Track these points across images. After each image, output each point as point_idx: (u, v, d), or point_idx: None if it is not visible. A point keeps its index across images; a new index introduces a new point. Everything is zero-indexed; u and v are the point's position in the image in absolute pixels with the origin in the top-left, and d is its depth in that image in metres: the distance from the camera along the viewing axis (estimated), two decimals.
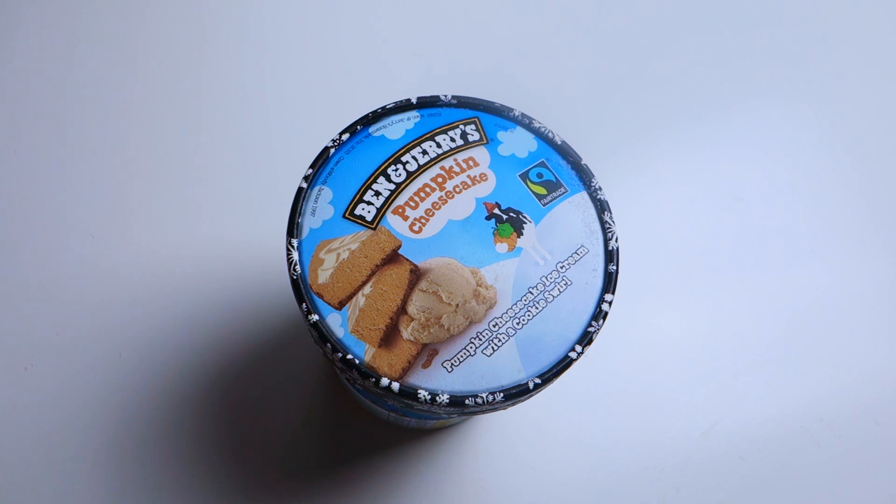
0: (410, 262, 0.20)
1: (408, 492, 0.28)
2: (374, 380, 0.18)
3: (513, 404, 0.19)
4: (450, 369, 0.19)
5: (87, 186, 0.33)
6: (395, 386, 0.18)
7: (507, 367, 0.19)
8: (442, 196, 0.21)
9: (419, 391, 0.18)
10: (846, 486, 0.30)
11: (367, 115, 0.22)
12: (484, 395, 0.18)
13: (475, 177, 0.21)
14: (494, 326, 0.19)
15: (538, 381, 0.19)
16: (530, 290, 0.20)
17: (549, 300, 0.19)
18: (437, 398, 0.18)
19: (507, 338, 0.19)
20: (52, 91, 0.35)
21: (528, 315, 0.19)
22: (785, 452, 0.30)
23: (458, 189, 0.21)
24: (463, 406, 0.18)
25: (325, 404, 0.30)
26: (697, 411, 0.31)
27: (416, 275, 0.19)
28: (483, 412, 0.19)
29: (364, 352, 0.19)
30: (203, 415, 0.29)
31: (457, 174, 0.21)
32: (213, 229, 0.32)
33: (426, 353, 0.19)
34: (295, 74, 0.37)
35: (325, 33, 0.38)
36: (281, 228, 0.32)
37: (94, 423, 0.29)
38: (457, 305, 0.19)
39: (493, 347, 0.19)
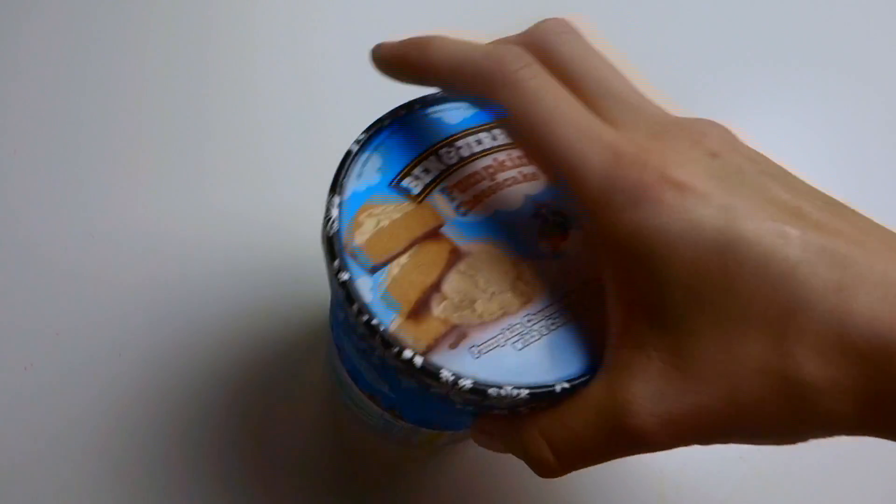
0: (452, 241, 0.19)
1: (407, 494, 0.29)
2: (396, 350, 0.17)
3: (535, 405, 0.18)
4: (477, 355, 0.17)
5: (87, 186, 0.33)
6: (419, 360, 0.17)
7: (535, 365, 0.18)
8: (491, 186, 0.20)
9: (442, 370, 0.17)
10: (846, 486, 0.30)
11: (427, 96, 0.21)
12: (509, 388, 0.17)
13: (527, 174, 0.20)
14: (528, 322, 0.18)
15: (566, 385, 0.17)
16: (569, 294, 0.19)
17: (587, 308, 0.19)
18: (460, 382, 0.17)
19: (539, 336, 0.18)
20: (51, 90, 0.35)
21: (564, 319, 0.18)
22: (785, 452, 0.30)
23: (508, 183, 0.20)
24: (485, 396, 0.17)
25: (331, 405, 0.30)
26: None
27: (456, 255, 0.19)
28: (502, 408, 0.18)
29: (391, 321, 0.18)
30: (204, 416, 0.29)
31: (508, 168, 0.20)
32: (217, 230, 0.33)
33: (455, 334, 0.18)
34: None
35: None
36: (291, 232, 0.32)
37: (95, 424, 0.29)
38: (492, 293, 0.18)
39: (524, 342, 0.18)
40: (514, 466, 0.29)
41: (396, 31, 0.20)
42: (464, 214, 0.19)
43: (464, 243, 0.19)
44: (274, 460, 0.29)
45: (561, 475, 0.18)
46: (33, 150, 0.34)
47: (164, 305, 0.31)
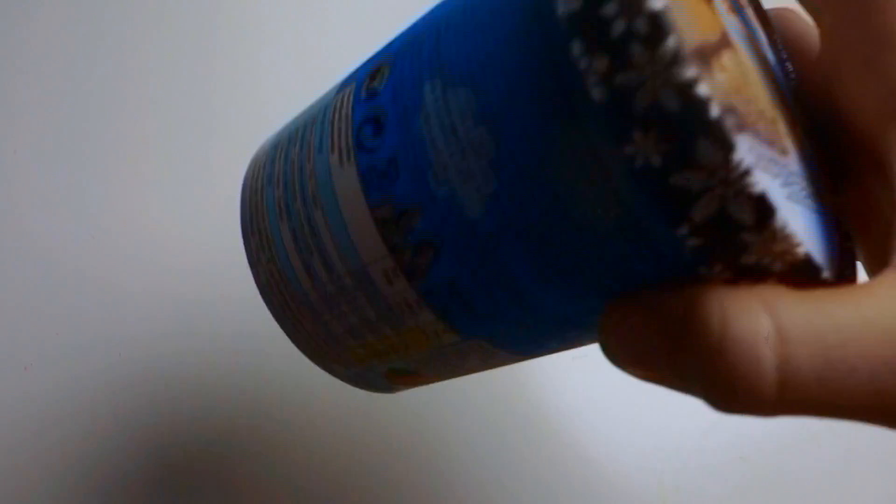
0: (723, 22, 0.12)
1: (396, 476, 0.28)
2: (690, 77, 0.10)
3: (784, 278, 0.11)
4: (751, 163, 0.10)
5: (87, 186, 0.33)
6: (715, 110, 0.10)
7: (795, 226, 0.11)
8: (740, 23, 0.14)
9: (740, 145, 0.10)
10: (846, 486, 0.30)
11: None
12: (792, 229, 0.10)
13: (759, 44, 0.15)
14: (789, 176, 0.12)
15: (831, 277, 0.12)
16: (817, 176, 0.14)
17: (836, 198, 0.14)
18: (751, 178, 0.10)
19: (798, 201, 0.12)
20: (51, 90, 0.35)
21: (816, 199, 0.13)
22: (785, 452, 0.30)
23: (748, 29, 0.14)
24: (762, 223, 0.10)
25: (335, 389, 0.30)
26: (697, 411, 0.31)
27: (727, 40, 0.12)
28: (738, 265, 0.11)
29: (680, 39, 0.10)
30: (205, 416, 0.29)
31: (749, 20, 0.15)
32: (218, 229, 0.32)
33: (735, 116, 0.11)
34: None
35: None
36: None
37: (94, 424, 0.29)
38: (761, 110, 0.12)
39: (787, 193, 0.12)
40: (516, 455, 0.29)
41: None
42: (727, 11, 0.13)
43: (726, 46, 0.12)
44: (279, 461, 0.29)
45: (771, 411, 0.10)
46: (33, 149, 0.34)
47: (164, 305, 0.31)
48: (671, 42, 0.10)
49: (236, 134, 0.35)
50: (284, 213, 0.16)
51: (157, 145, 0.34)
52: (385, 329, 0.16)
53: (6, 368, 0.29)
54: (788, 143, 0.13)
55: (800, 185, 0.12)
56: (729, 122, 0.10)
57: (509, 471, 0.29)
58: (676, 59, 0.10)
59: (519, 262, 0.13)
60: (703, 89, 0.10)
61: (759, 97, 0.12)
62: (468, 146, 0.12)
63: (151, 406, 0.29)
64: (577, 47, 0.10)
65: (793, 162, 0.13)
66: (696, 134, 0.10)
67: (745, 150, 0.10)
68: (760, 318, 0.10)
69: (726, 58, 0.11)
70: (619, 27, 0.10)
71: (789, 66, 0.16)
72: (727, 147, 0.10)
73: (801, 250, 0.11)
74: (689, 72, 0.10)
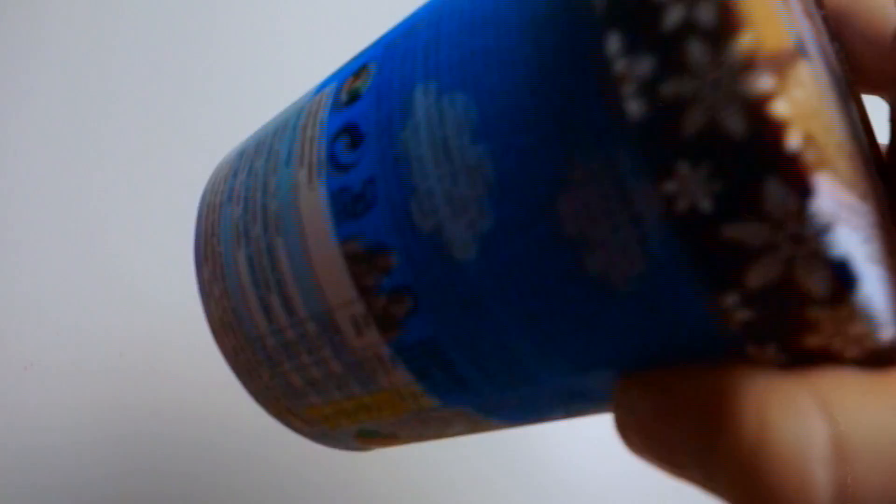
0: (802, 33, 0.10)
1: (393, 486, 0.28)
2: (755, 78, 0.07)
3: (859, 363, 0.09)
4: (832, 219, 0.08)
5: (86, 186, 0.33)
6: (780, 111, 0.07)
7: (879, 301, 0.08)
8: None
9: (818, 178, 0.07)
10: None
11: None
12: (876, 296, 0.08)
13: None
14: (869, 229, 0.09)
15: None
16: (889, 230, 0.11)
17: None
18: (823, 215, 0.07)
19: (879, 261, 0.09)
20: (51, 90, 0.35)
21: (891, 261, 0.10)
22: None
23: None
24: (842, 296, 0.08)
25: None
26: None
27: (802, 50, 0.10)
28: (797, 349, 0.08)
29: (742, 40, 0.07)
30: (205, 416, 0.29)
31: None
32: None
33: (815, 149, 0.08)
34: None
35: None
36: None
37: (95, 424, 0.28)
38: (838, 143, 0.10)
39: (868, 254, 0.09)
40: (515, 454, 0.29)
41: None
42: (802, 13, 0.11)
43: (803, 54, 0.09)
44: (278, 463, 0.28)
45: None
46: (33, 149, 0.34)
47: (166, 304, 0.31)
48: (746, 40, 0.07)
49: (244, 132, 0.35)
50: (242, 239, 0.13)
51: (159, 142, 0.34)
52: (354, 387, 0.13)
53: (6, 368, 0.29)
54: (868, 183, 0.10)
55: (881, 240, 0.10)
56: (809, 157, 0.07)
57: (505, 471, 0.29)
58: (749, 63, 0.07)
59: (514, 322, 0.10)
60: (780, 108, 0.07)
61: (836, 124, 0.10)
62: (462, 169, 0.10)
63: (152, 406, 0.29)
64: (613, 43, 0.08)
65: (872, 209, 0.10)
66: (765, 170, 0.07)
67: (826, 197, 0.08)
68: (811, 423, 0.07)
69: (804, 70, 0.09)
70: (674, 15, 0.07)
71: (847, 69, 0.13)
72: (804, 192, 0.07)
73: (884, 335, 0.08)
74: (764, 82, 0.07)
